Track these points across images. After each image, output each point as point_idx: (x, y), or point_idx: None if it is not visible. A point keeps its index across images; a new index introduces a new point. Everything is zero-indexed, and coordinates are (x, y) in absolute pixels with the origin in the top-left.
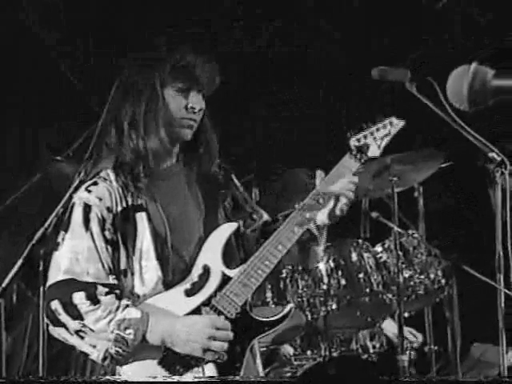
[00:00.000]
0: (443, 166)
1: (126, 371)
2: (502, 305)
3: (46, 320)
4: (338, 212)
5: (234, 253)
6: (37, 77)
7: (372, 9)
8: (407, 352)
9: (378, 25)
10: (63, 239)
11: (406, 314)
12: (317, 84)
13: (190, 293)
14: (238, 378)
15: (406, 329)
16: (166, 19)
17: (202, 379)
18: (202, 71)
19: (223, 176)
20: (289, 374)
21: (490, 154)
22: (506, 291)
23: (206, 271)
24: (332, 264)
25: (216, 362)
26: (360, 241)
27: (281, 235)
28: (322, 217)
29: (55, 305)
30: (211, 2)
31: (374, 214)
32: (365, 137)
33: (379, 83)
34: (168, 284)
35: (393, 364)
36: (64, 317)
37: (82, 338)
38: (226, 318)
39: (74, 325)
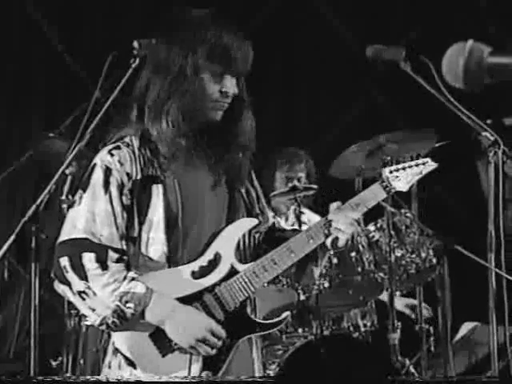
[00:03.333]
0: (437, 145)
1: (118, 339)
2: (493, 284)
3: (51, 274)
4: (339, 243)
5: (247, 248)
6: (28, 54)
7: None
8: (398, 330)
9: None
10: (81, 198)
11: (398, 293)
12: (313, 74)
13: (196, 275)
14: (235, 377)
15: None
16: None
17: (202, 379)
18: (237, 53)
19: (247, 166)
20: (280, 352)
21: (484, 134)
22: (497, 270)
23: (217, 259)
24: None
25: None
26: (336, 203)
27: (295, 244)
28: (328, 240)
29: (64, 261)
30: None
31: None
32: (397, 170)
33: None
34: (171, 261)
35: (383, 342)
36: (71, 275)
37: (84, 299)
38: (224, 309)
39: (78, 285)
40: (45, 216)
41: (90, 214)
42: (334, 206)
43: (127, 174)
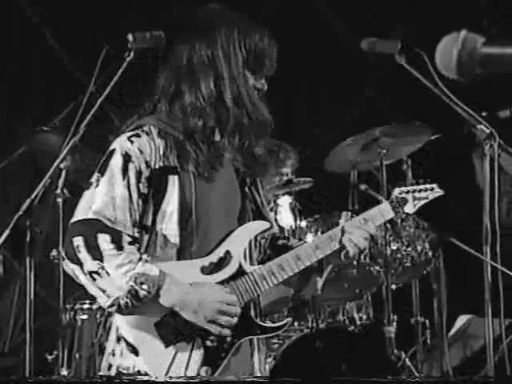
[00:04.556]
0: (432, 138)
1: (123, 325)
2: (489, 277)
3: (62, 254)
4: (347, 256)
5: (254, 252)
6: (22, 48)
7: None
8: (394, 324)
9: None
10: (98, 180)
11: (394, 286)
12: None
13: (205, 271)
14: (234, 377)
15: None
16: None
17: (202, 379)
18: (271, 58)
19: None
20: (276, 346)
21: (479, 127)
22: (492, 263)
23: (227, 257)
24: None
25: (205, 345)
26: (348, 213)
27: (302, 252)
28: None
29: (78, 241)
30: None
31: (363, 187)
32: (407, 192)
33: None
34: (181, 253)
35: (379, 336)
36: (84, 255)
37: (94, 279)
38: None
39: (91, 265)
40: (39, 210)
41: (106, 198)
42: (344, 214)
43: (146, 162)
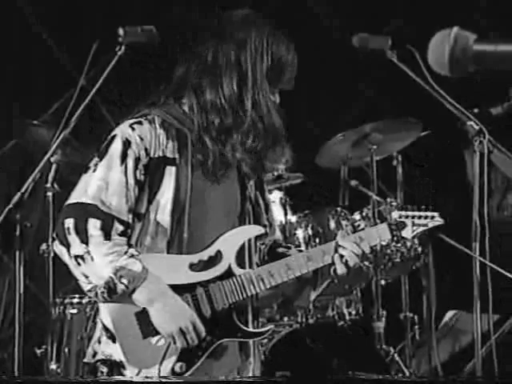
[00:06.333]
0: (422, 134)
1: (103, 310)
2: (477, 273)
3: (53, 234)
4: (335, 273)
5: (249, 255)
6: (13, 41)
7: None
8: (383, 319)
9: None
10: (96, 165)
11: (383, 282)
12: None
13: (194, 268)
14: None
15: None
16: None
17: (200, 379)
18: (291, 73)
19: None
20: (265, 341)
21: (469, 123)
22: (481, 259)
23: (218, 257)
24: (310, 231)
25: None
26: (338, 209)
27: (294, 262)
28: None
29: (69, 223)
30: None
31: (353, 183)
32: (406, 216)
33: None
34: (171, 245)
35: (369, 331)
36: (73, 237)
37: (79, 264)
38: (212, 306)
39: (78, 248)
40: (29, 204)
41: (102, 182)
42: (339, 234)
43: (145, 150)
